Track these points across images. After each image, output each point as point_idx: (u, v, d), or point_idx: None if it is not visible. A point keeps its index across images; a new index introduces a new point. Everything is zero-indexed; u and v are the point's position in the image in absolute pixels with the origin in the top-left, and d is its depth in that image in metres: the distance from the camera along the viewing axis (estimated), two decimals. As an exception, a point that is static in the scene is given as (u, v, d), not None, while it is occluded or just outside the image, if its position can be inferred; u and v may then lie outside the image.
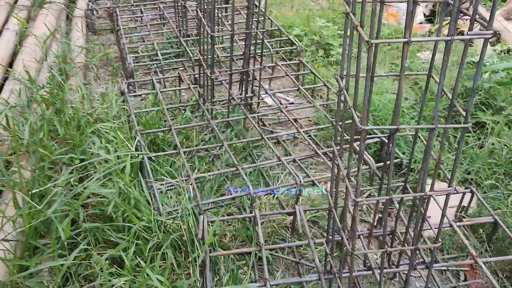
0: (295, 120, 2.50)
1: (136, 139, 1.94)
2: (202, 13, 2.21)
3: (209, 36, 2.08)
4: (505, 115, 2.25)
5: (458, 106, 1.10)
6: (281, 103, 2.68)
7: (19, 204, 1.50)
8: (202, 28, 2.22)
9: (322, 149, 2.24)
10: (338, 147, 1.25)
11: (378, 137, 2.13)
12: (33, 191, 1.55)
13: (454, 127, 1.06)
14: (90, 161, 1.74)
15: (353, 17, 1.01)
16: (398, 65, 2.98)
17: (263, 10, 2.16)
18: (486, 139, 2.13)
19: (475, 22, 0.88)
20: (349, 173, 1.22)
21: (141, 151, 1.97)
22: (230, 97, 2.32)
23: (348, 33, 1.09)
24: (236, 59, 3.01)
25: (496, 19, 3.35)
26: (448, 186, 1.16)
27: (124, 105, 2.27)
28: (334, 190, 1.34)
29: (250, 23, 2.10)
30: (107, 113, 2.17)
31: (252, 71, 2.34)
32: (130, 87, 2.65)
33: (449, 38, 0.93)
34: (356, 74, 0.98)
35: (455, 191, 1.24)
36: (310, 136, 2.34)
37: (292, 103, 2.72)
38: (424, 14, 3.75)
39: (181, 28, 3.09)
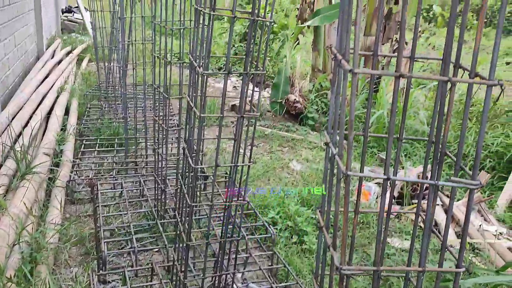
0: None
1: None
2: (179, 217, 2.28)
3: (185, 244, 2.12)
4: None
5: None
6: (254, 297, 2.65)
7: None
8: (178, 230, 2.27)
9: None
10: None
11: None
12: None
13: None
14: None
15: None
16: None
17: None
18: None
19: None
20: None
21: None
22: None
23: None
24: (211, 240, 3.04)
25: (459, 208, 3.55)
26: None
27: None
28: None
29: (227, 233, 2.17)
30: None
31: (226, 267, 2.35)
32: (101, 276, 2.61)
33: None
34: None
35: None
36: None
37: (265, 297, 2.69)
38: (394, 196, 3.94)
39: (159, 209, 3.16)
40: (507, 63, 12.79)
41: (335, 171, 1.19)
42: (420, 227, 3.41)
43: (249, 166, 2.06)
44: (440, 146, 1.05)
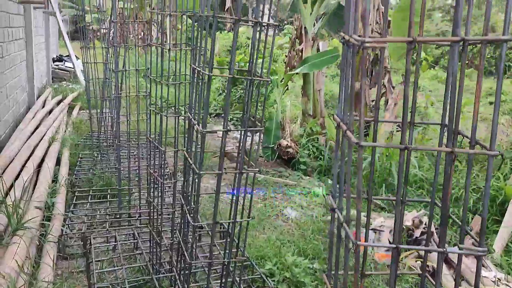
0: None
1: None
2: (177, 273, 2.24)
3: (184, 303, 2.08)
4: None
5: None
6: None
7: None
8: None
9: None
10: None
11: None
12: None
13: None
14: None
15: None
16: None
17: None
18: None
19: None
20: None
21: None
22: None
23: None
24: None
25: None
26: None
27: None
28: None
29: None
30: None
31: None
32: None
33: None
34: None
35: None
36: None
37: None
38: (390, 243, 3.92)
39: (154, 263, 3.10)
40: (490, 103, 13.15)
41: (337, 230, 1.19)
42: (419, 275, 3.38)
43: (248, 222, 2.06)
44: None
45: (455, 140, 1.05)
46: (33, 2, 6.22)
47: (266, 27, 1.90)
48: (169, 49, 2.67)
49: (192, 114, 2.07)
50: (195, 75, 2.06)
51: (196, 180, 2.03)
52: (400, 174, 0.96)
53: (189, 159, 2.07)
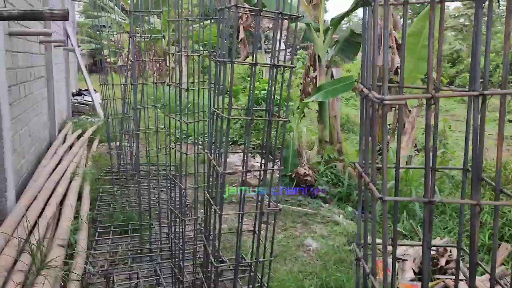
0: None
1: None
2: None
3: None
4: None
5: None
6: None
7: None
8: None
9: None
10: None
11: None
12: None
13: None
14: None
15: None
16: None
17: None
18: None
19: None
20: None
21: None
22: None
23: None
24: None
25: (483, 283, 3.45)
26: None
27: None
28: None
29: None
30: None
31: None
32: None
33: None
34: None
35: None
36: None
37: None
38: (414, 272, 3.85)
39: (177, 300, 3.09)
40: (510, 121, 12.98)
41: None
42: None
43: (270, 261, 2.05)
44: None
45: (480, 189, 1.05)
46: (54, 41, 6.43)
47: (283, 68, 1.94)
48: (187, 89, 2.73)
49: (212, 155, 2.10)
50: (215, 118, 2.09)
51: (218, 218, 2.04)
52: (426, 226, 0.96)
53: (210, 199, 2.09)
